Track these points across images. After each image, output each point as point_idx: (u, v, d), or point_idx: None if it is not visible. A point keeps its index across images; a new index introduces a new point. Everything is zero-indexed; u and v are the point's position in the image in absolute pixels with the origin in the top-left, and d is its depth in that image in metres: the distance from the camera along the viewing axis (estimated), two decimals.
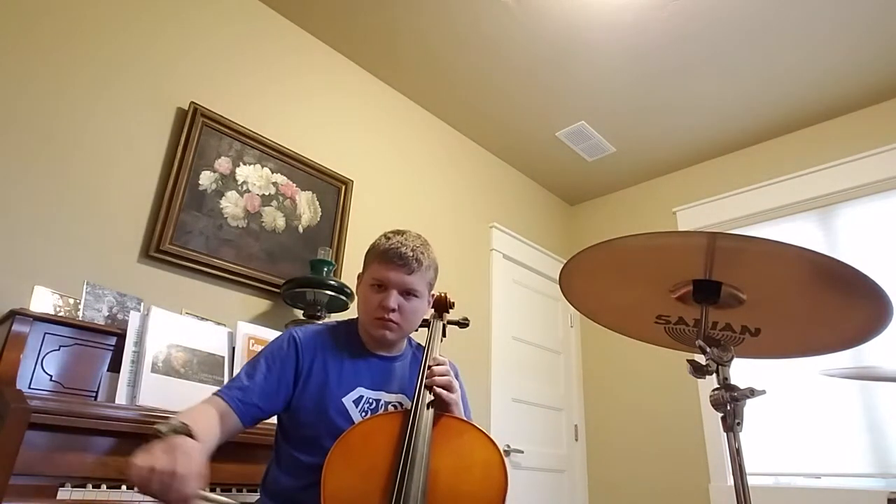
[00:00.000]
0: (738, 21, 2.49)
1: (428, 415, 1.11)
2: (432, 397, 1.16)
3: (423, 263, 1.27)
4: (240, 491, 1.48)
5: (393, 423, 1.10)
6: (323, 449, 1.08)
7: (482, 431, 1.14)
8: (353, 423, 1.18)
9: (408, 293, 1.26)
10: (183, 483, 0.79)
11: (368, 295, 1.28)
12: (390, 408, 1.26)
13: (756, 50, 2.65)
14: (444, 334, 1.41)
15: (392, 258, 1.24)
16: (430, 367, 1.22)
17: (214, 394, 1.15)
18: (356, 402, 1.23)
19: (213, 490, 1.20)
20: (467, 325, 1.48)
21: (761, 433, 2.81)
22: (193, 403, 1.11)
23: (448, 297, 1.47)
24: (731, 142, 3.34)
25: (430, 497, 1.01)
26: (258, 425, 1.52)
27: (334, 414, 1.19)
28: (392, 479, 1.01)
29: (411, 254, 1.25)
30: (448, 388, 1.20)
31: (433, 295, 1.39)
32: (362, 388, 1.25)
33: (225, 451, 1.45)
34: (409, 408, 1.14)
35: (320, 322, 1.72)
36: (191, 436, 0.88)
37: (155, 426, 0.89)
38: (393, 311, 1.24)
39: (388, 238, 1.29)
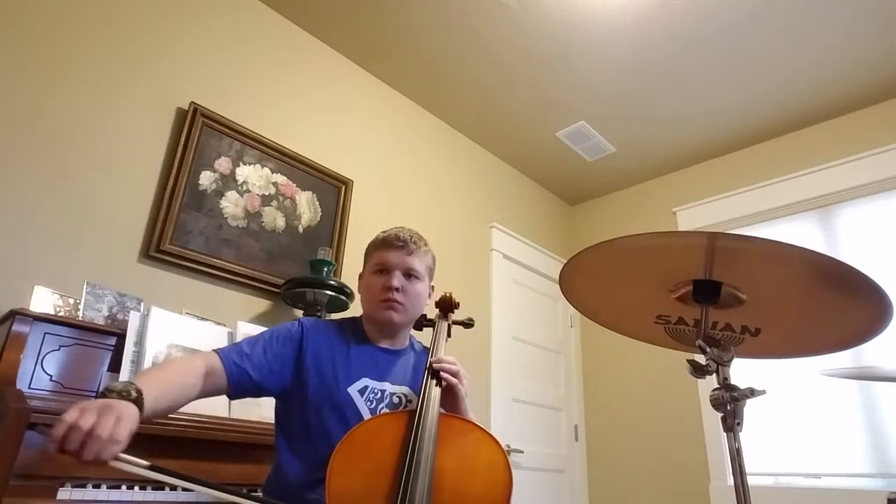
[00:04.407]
0: (737, 21, 2.49)
1: (433, 415, 1.11)
2: (439, 388, 1.17)
3: (421, 247, 1.35)
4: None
5: (398, 422, 1.10)
6: (326, 438, 1.09)
7: (487, 432, 1.14)
8: (359, 412, 1.20)
9: (409, 274, 1.32)
10: (100, 445, 0.78)
11: (371, 281, 1.33)
12: (395, 399, 1.27)
13: (756, 50, 2.65)
14: (448, 334, 1.42)
15: (392, 241, 1.32)
16: (436, 359, 1.23)
17: (214, 350, 1.17)
18: (361, 391, 1.24)
19: None
20: (472, 325, 1.49)
21: (761, 433, 2.81)
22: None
23: (453, 297, 1.47)
24: (731, 142, 3.34)
25: (435, 497, 1.00)
26: (259, 425, 1.54)
27: (340, 404, 1.20)
28: (397, 479, 1.00)
29: (409, 237, 1.33)
30: (456, 376, 1.21)
31: (433, 286, 1.42)
32: (367, 379, 1.26)
33: (225, 452, 1.46)
34: (415, 404, 1.14)
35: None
36: (138, 402, 0.88)
37: (107, 385, 0.89)
38: (397, 290, 1.28)
39: (385, 232, 1.38)
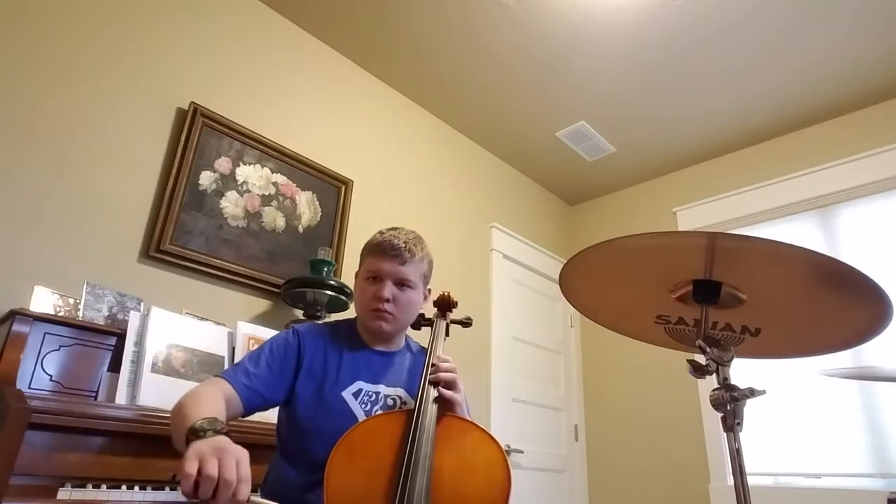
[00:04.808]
0: (738, 22, 2.49)
1: (432, 414, 1.11)
2: (437, 394, 1.17)
3: (416, 255, 1.31)
4: None
5: (396, 422, 1.10)
6: (322, 441, 1.09)
7: (486, 431, 1.14)
8: (354, 415, 1.20)
9: (401, 284, 1.29)
10: (232, 490, 0.78)
11: (364, 287, 1.31)
12: (389, 401, 1.26)
13: (756, 50, 2.65)
14: (447, 334, 1.41)
15: (385, 249, 1.29)
16: (434, 364, 1.22)
17: (219, 376, 1.15)
18: (355, 394, 1.23)
19: None
20: (470, 324, 1.49)
21: (761, 433, 2.81)
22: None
23: (451, 296, 1.47)
24: (731, 142, 3.34)
25: (434, 497, 1.00)
26: (259, 425, 1.54)
27: (334, 407, 1.20)
28: (395, 478, 1.00)
29: (404, 245, 1.29)
30: (452, 385, 1.20)
31: (429, 289, 1.40)
32: (361, 382, 1.26)
33: None
34: (412, 406, 1.14)
35: (321, 321, 1.73)
36: (228, 434, 0.88)
37: (194, 424, 0.87)
38: (387, 301, 1.27)
39: (382, 233, 1.34)
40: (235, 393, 1.12)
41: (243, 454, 0.83)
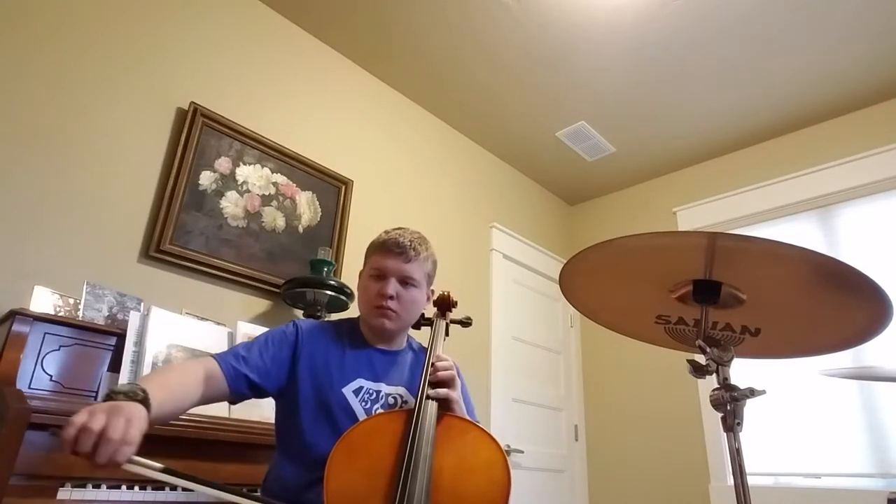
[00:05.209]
0: (738, 22, 2.49)
1: (431, 414, 1.11)
2: (434, 395, 1.17)
3: (421, 254, 1.32)
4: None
5: (396, 421, 1.10)
6: (322, 438, 1.09)
7: (485, 431, 1.14)
8: (354, 412, 1.20)
9: (405, 282, 1.30)
10: (113, 448, 0.77)
11: (368, 285, 1.32)
12: (390, 399, 1.26)
13: (756, 50, 2.65)
14: (447, 333, 1.42)
15: (390, 247, 1.30)
16: (433, 363, 1.22)
17: (211, 355, 1.17)
18: (356, 392, 1.24)
19: None
20: (470, 324, 1.49)
21: (761, 433, 2.81)
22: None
23: (451, 295, 1.47)
24: (730, 142, 3.34)
25: (434, 496, 1.00)
26: (259, 425, 1.54)
27: (334, 404, 1.20)
28: (395, 478, 1.00)
29: (409, 243, 1.30)
30: (448, 384, 1.20)
31: (432, 290, 1.41)
32: (362, 380, 1.26)
33: (225, 452, 1.46)
34: (412, 406, 1.14)
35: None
36: (145, 402, 0.87)
37: (112, 387, 0.88)
38: (391, 298, 1.27)
39: (388, 232, 1.35)
40: (221, 372, 1.13)
41: (137, 416, 0.82)
